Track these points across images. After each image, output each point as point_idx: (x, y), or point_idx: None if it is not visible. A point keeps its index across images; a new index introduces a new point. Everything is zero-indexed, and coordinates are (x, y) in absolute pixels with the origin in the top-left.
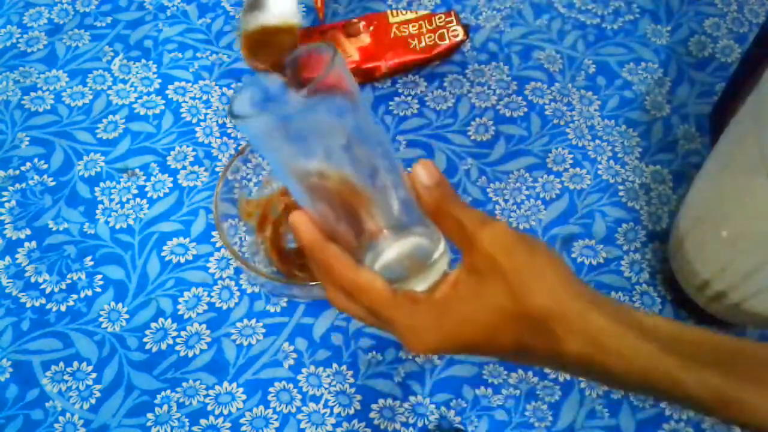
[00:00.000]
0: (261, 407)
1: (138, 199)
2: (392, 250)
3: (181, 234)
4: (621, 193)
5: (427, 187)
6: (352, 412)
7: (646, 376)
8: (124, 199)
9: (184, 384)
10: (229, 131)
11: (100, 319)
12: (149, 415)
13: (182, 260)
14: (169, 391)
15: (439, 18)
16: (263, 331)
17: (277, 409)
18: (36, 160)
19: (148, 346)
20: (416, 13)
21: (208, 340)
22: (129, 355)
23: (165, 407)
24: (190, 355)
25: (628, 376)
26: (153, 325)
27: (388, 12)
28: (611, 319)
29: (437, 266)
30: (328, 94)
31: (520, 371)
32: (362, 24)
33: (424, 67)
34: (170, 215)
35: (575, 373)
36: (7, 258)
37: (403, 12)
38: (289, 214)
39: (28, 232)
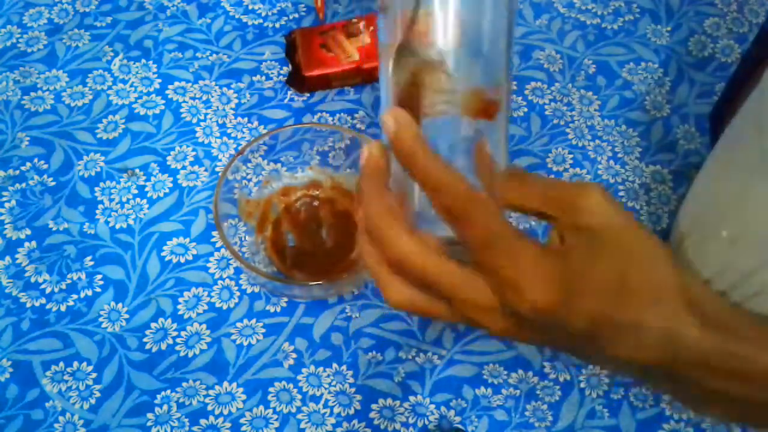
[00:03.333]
0: (261, 407)
1: (138, 199)
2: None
3: (181, 234)
4: (621, 193)
5: (511, 174)
6: (352, 412)
7: None
8: (124, 199)
9: (184, 384)
10: (229, 131)
11: (100, 319)
12: (149, 415)
13: (182, 260)
14: (169, 391)
15: None
16: (263, 331)
17: (277, 409)
18: (36, 160)
19: (148, 346)
20: None
21: (208, 340)
22: (129, 355)
23: (165, 407)
24: (190, 355)
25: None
26: (153, 325)
27: None
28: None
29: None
30: None
31: (520, 371)
32: (362, 24)
33: None
34: (170, 215)
35: (659, 377)
36: (7, 258)
37: None
38: (287, 215)
39: (28, 232)
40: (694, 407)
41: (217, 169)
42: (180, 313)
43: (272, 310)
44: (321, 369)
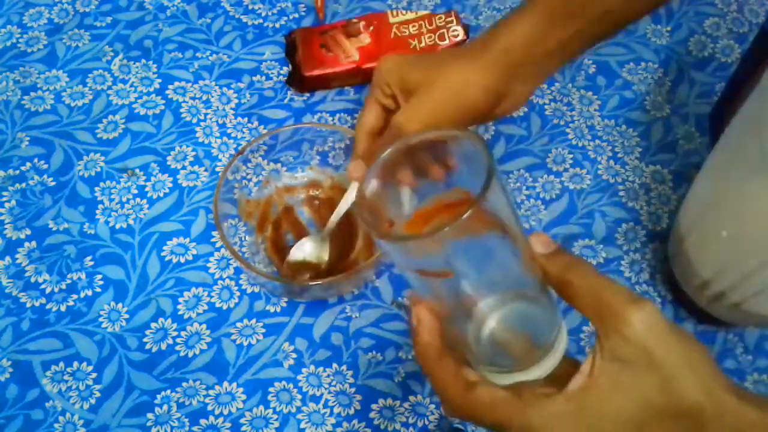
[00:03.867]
0: (261, 407)
1: (138, 199)
2: (500, 320)
3: (181, 234)
4: (621, 193)
5: (549, 254)
6: (352, 412)
7: None
8: (124, 199)
9: (184, 384)
10: (229, 131)
11: (100, 319)
12: (149, 415)
13: (182, 260)
14: (169, 391)
15: (439, 18)
16: (263, 331)
17: (277, 409)
18: (36, 160)
19: (148, 346)
20: (416, 13)
21: (208, 340)
22: (129, 355)
23: (165, 407)
24: (190, 355)
25: None
26: (153, 325)
27: (388, 12)
28: (762, 412)
29: (556, 348)
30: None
31: None
32: (362, 24)
33: None
34: (170, 215)
35: None
36: (7, 258)
37: (404, 12)
38: (287, 215)
39: (28, 232)
40: None
41: (217, 169)
42: (180, 313)
43: (272, 310)
44: (321, 369)
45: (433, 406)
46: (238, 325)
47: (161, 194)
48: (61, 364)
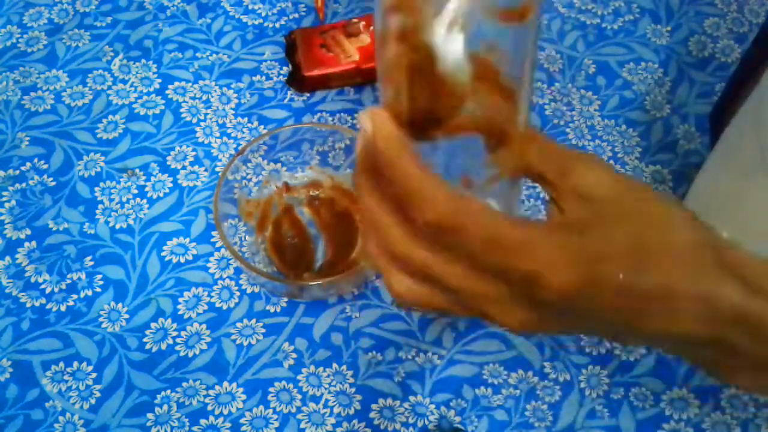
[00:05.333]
0: (261, 407)
1: (138, 199)
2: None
3: (181, 234)
4: None
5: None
6: (352, 412)
7: None
8: (124, 199)
9: (184, 384)
10: (229, 131)
11: (100, 319)
12: (149, 415)
13: (182, 260)
14: (169, 391)
15: None
16: (263, 331)
17: (277, 409)
18: (36, 160)
19: (148, 346)
20: None
21: (208, 340)
22: (129, 355)
23: (165, 407)
24: (190, 355)
25: None
26: (153, 325)
27: None
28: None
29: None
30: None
31: (520, 371)
32: (362, 24)
33: None
34: (170, 215)
35: (691, 344)
36: (7, 258)
37: None
38: (289, 214)
39: (28, 232)
40: (740, 379)
41: (217, 169)
42: (180, 313)
43: (272, 310)
44: (321, 369)
45: (433, 406)
46: (238, 325)
47: (161, 194)
48: (61, 364)
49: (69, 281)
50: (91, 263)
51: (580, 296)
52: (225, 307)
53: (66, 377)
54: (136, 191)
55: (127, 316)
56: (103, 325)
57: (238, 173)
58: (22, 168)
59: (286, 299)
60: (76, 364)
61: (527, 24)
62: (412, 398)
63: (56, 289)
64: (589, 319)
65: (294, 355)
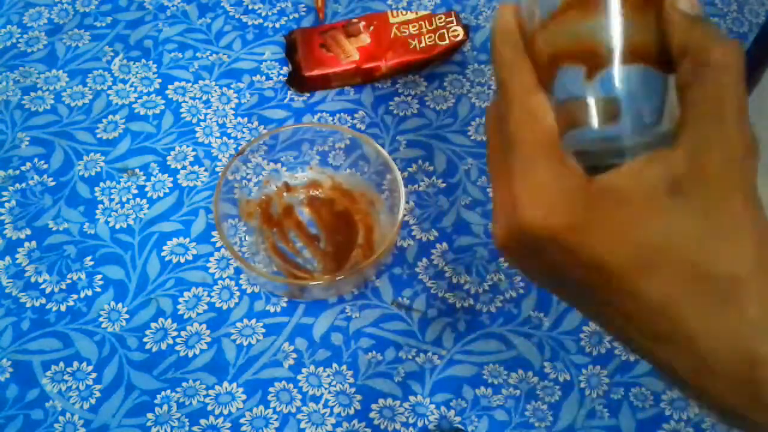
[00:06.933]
0: (261, 407)
1: (138, 199)
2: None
3: (181, 234)
4: None
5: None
6: (352, 412)
7: None
8: (124, 199)
9: (184, 384)
10: (229, 131)
11: (100, 319)
12: (149, 415)
13: (182, 260)
14: (169, 391)
15: (439, 18)
16: (263, 331)
17: (277, 409)
18: (36, 160)
19: (148, 346)
20: (416, 13)
21: (208, 340)
22: (129, 355)
23: (165, 407)
24: (190, 355)
25: None
26: (153, 325)
27: (388, 12)
28: None
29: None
30: None
31: (520, 371)
32: (362, 24)
33: (424, 67)
34: (170, 215)
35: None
36: (7, 258)
37: (404, 12)
38: (289, 214)
39: (28, 232)
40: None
41: (217, 169)
42: (180, 313)
43: (272, 310)
44: (321, 369)
45: (433, 407)
46: (238, 325)
47: (161, 194)
48: (61, 364)
49: (69, 281)
50: (91, 263)
51: (560, 242)
52: (225, 307)
53: (66, 377)
54: (136, 191)
55: (127, 316)
56: (103, 325)
57: (238, 173)
58: (22, 168)
59: (286, 299)
60: (76, 364)
61: None
62: (412, 398)
63: (56, 289)
64: (560, 273)
65: (294, 355)
